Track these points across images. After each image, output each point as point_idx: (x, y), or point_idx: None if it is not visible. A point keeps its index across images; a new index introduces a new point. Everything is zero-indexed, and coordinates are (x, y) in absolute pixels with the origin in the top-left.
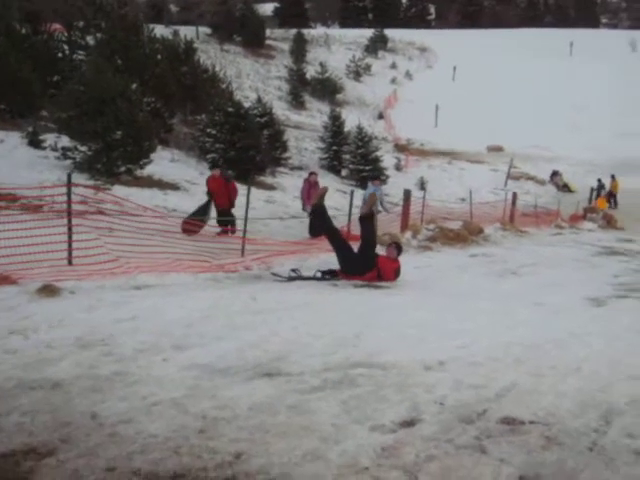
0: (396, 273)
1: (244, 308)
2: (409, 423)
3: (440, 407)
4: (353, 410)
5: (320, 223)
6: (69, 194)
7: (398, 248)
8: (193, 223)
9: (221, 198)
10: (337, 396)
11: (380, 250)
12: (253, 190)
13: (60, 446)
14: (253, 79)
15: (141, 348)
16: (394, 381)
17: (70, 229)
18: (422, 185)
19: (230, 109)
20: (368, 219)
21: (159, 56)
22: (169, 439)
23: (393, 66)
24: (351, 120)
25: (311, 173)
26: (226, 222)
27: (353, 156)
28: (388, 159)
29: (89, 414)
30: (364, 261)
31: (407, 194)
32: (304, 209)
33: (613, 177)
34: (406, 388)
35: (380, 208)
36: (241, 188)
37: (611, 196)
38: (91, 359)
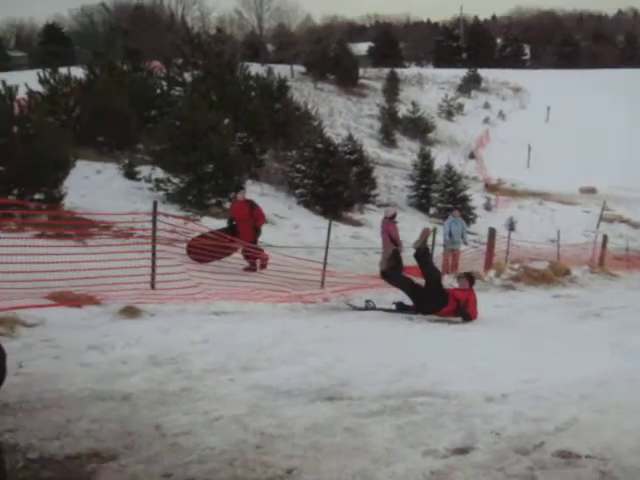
0: (475, 304)
1: (315, 336)
2: (463, 450)
3: (496, 437)
4: (408, 435)
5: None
6: (154, 221)
7: (469, 278)
8: (201, 248)
9: (245, 227)
10: (394, 421)
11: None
12: (340, 225)
13: (123, 452)
14: (345, 117)
15: (209, 368)
16: (453, 410)
17: (154, 254)
18: (511, 225)
19: (319, 145)
20: (425, 255)
21: (253, 93)
22: (226, 452)
23: (486, 106)
24: (441, 159)
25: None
26: (252, 253)
27: (441, 195)
28: (478, 199)
29: (153, 425)
30: (436, 298)
31: (492, 232)
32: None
33: None
34: (464, 417)
35: (461, 240)
36: (325, 222)
37: None
38: (161, 376)
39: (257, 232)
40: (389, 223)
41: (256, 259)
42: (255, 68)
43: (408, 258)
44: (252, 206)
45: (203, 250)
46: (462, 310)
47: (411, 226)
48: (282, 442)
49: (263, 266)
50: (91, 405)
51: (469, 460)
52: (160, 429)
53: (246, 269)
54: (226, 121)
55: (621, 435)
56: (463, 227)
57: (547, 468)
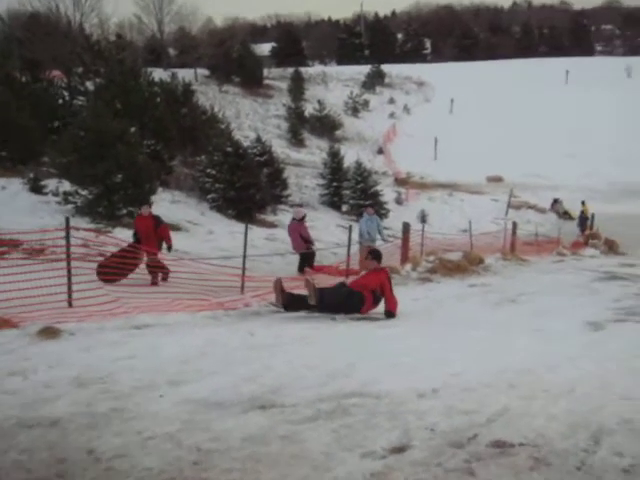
0: (391, 289)
1: (241, 344)
2: (400, 449)
3: (431, 433)
4: (344, 438)
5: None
6: (68, 238)
7: (374, 255)
8: (110, 269)
9: (150, 242)
10: (329, 425)
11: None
12: (255, 228)
13: None
14: (252, 119)
15: (138, 385)
16: (386, 409)
17: (69, 272)
18: (423, 218)
19: (229, 149)
20: (326, 297)
21: (158, 99)
22: (163, 471)
23: (391, 101)
24: (350, 156)
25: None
26: (156, 268)
27: (353, 191)
28: (388, 193)
29: (85, 450)
30: (352, 303)
31: (406, 227)
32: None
33: (583, 203)
34: (398, 415)
35: (379, 237)
36: (239, 226)
37: (584, 220)
38: (88, 397)
39: (168, 249)
40: (299, 224)
41: (158, 273)
42: (158, 73)
43: (323, 256)
44: (157, 222)
45: (112, 269)
46: (379, 298)
47: (325, 224)
48: (219, 456)
49: (164, 279)
50: (18, 434)
51: (407, 458)
52: (93, 453)
53: (152, 284)
54: (132, 129)
55: (550, 421)
56: (378, 224)
57: (483, 459)
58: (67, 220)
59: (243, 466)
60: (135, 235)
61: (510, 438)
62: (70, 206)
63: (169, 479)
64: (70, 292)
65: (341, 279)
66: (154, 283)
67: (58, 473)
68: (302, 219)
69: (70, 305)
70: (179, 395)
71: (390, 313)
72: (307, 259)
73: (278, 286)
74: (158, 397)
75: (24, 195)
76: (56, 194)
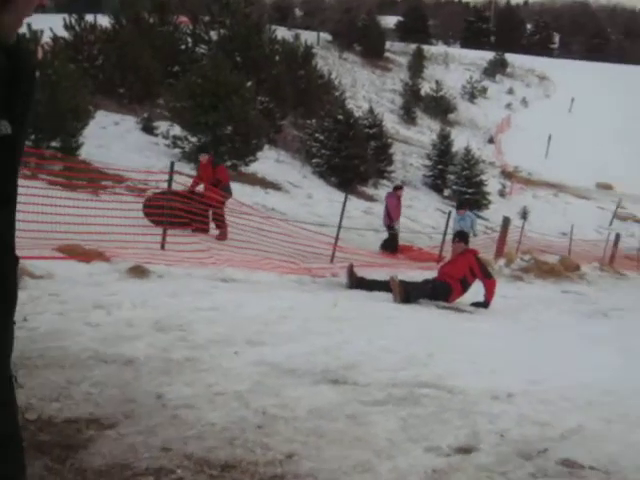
0: (481, 268)
1: (323, 314)
2: (466, 450)
3: (500, 439)
4: (411, 428)
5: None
6: (170, 181)
7: (460, 236)
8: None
9: (211, 190)
10: (398, 412)
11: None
12: (353, 199)
13: (122, 421)
14: (368, 90)
15: (215, 339)
16: (458, 406)
17: (166, 215)
18: (524, 214)
19: (340, 117)
20: (412, 293)
21: (277, 57)
22: (226, 429)
23: (510, 91)
24: (460, 141)
25: (398, 187)
26: (213, 218)
27: (457, 177)
28: (493, 184)
29: (155, 394)
30: (437, 293)
31: (506, 221)
32: (391, 225)
33: None
34: (469, 415)
35: (471, 231)
36: (338, 195)
37: None
38: (166, 342)
39: (226, 191)
40: (391, 194)
41: (209, 224)
42: (282, 32)
43: (418, 238)
44: (214, 164)
45: (156, 210)
46: (467, 286)
47: (424, 206)
48: (284, 424)
49: (221, 237)
50: (94, 367)
51: (472, 461)
52: (161, 399)
53: (194, 230)
54: (249, 84)
55: (626, 448)
56: (472, 220)
57: (550, 476)
58: (172, 164)
59: (306, 439)
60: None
61: (581, 459)
62: (177, 150)
63: (231, 438)
64: (164, 235)
65: (427, 264)
66: (196, 228)
67: (125, 412)
68: (396, 189)
69: (162, 248)
70: (254, 355)
71: (485, 304)
72: (392, 238)
73: (350, 270)
74: (233, 354)
75: (135, 134)
76: (166, 137)
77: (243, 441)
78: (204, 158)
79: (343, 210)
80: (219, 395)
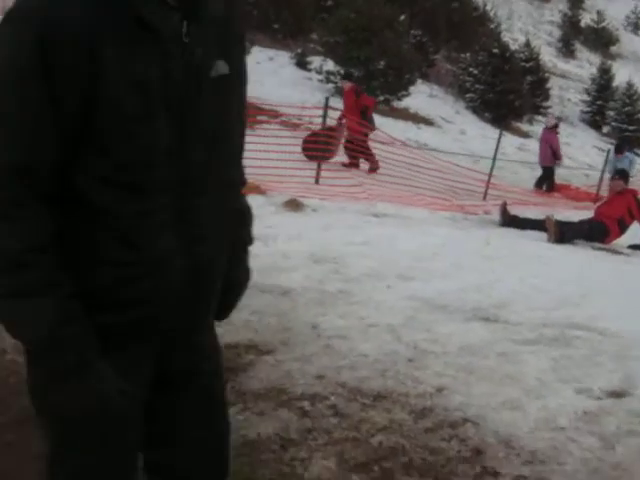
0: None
1: (475, 251)
2: (618, 394)
3: None
4: (562, 369)
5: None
6: (324, 117)
7: (620, 173)
8: (315, 146)
9: (352, 117)
10: (549, 353)
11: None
12: (508, 135)
13: (279, 347)
14: (524, 22)
15: (367, 272)
16: (611, 349)
17: (320, 150)
18: None
19: (495, 50)
20: (568, 234)
21: None
22: (378, 361)
23: None
24: (622, 75)
25: (556, 124)
26: (355, 151)
27: (617, 113)
28: None
29: (310, 324)
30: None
31: None
32: (554, 165)
33: None
34: (622, 359)
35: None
36: (492, 131)
37: None
38: (320, 274)
39: (369, 121)
40: (549, 133)
41: (359, 158)
42: None
43: (574, 175)
44: (357, 93)
45: (316, 145)
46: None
47: (580, 143)
48: (434, 359)
49: (372, 169)
50: (252, 296)
51: (624, 405)
52: (316, 329)
53: (345, 164)
54: (402, 17)
55: None
56: (631, 161)
57: None
58: (326, 100)
59: (455, 374)
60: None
61: None
62: (331, 85)
63: (382, 370)
64: (319, 170)
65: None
66: (347, 164)
67: (282, 340)
68: (554, 127)
69: (317, 182)
70: (406, 290)
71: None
72: (548, 176)
73: (503, 208)
74: (385, 288)
75: (289, 69)
76: (319, 72)
77: (394, 373)
78: (347, 85)
79: (497, 146)
80: (371, 327)
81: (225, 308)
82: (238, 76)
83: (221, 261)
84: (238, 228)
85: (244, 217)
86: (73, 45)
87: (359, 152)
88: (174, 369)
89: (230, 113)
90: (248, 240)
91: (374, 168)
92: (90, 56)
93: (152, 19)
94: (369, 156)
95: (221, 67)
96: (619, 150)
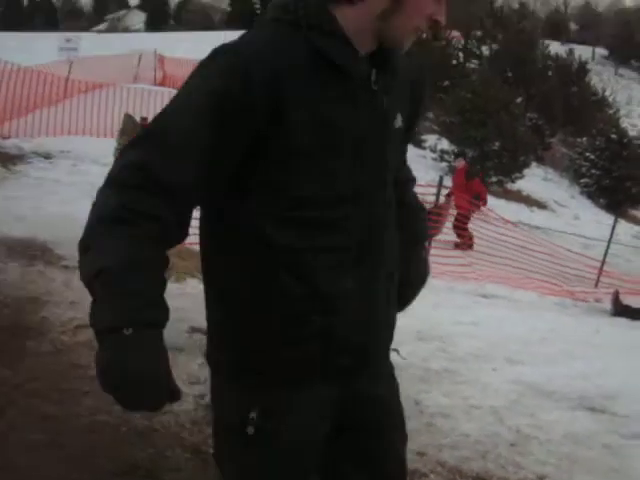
0: None
1: (584, 339)
2: None
3: None
4: None
5: None
6: (438, 195)
7: None
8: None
9: (460, 197)
10: None
11: None
12: (623, 222)
13: None
14: None
15: (474, 353)
16: None
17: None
18: None
19: (613, 136)
20: None
21: (550, 73)
22: (479, 442)
23: None
24: None
25: None
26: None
27: None
28: None
29: (413, 400)
30: None
31: None
32: None
33: None
34: None
35: None
36: (607, 217)
37: None
38: (426, 351)
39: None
40: None
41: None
42: (555, 47)
43: None
44: (468, 174)
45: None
46: None
47: None
48: (537, 445)
49: (467, 246)
50: None
51: None
52: (419, 405)
53: (455, 246)
54: (519, 100)
55: None
56: None
57: None
58: (441, 178)
59: (559, 462)
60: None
61: None
62: (445, 164)
63: (484, 452)
64: (429, 247)
65: None
66: (458, 245)
67: None
68: None
69: None
70: (512, 373)
71: None
72: None
73: (615, 297)
74: (491, 370)
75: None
76: (434, 150)
77: (495, 456)
78: (460, 163)
79: (612, 233)
80: (475, 408)
81: (400, 304)
82: (408, 131)
83: (393, 293)
84: (411, 224)
85: (415, 213)
86: (268, 81)
87: (462, 229)
88: (354, 420)
89: (394, 163)
90: (421, 237)
91: (465, 244)
92: (279, 93)
93: (344, 63)
94: (463, 231)
95: (398, 120)
96: None
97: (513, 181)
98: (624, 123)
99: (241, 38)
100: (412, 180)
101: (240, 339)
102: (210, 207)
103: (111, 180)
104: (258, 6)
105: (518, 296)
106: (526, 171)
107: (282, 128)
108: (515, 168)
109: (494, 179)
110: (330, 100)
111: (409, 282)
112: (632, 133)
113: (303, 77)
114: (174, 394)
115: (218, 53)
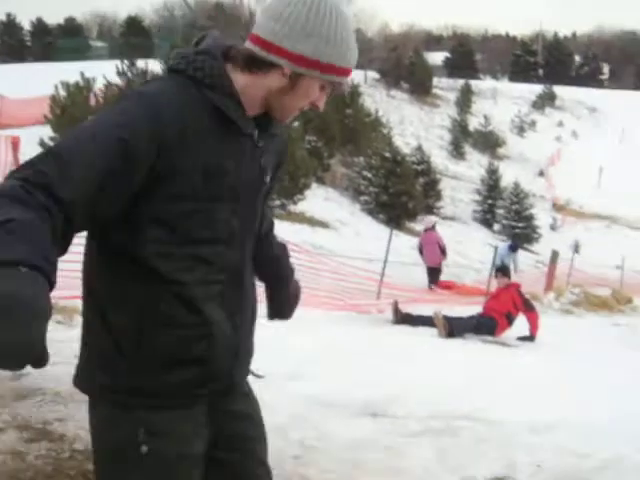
0: (524, 302)
1: (364, 348)
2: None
3: (537, 469)
4: (447, 459)
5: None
6: None
7: (502, 270)
8: None
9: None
10: (435, 444)
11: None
12: (401, 235)
13: None
14: (416, 126)
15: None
16: (495, 438)
17: None
18: (576, 248)
19: (387, 154)
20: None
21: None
22: None
23: (560, 124)
24: (509, 175)
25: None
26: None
27: (507, 211)
28: (543, 218)
29: None
30: (483, 327)
31: (554, 255)
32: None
33: None
34: (506, 447)
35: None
36: (387, 232)
37: None
38: None
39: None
40: (434, 234)
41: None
42: None
43: (465, 272)
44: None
45: None
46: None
47: (472, 241)
48: (321, 455)
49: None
50: None
51: None
52: None
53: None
54: (296, 124)
55: None
56: (514, 259)
57: None
58: None
59: (341, 468)
60: None
61: None
62: None
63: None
64: None
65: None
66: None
67: None
68: (434, 227)
69: None
70: (294, 389)
71: (530, 337)
72: (436, 273)
73: (395, 307)
74: (274, 387)
75: None
76: None
77: (280, 471)
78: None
79: (389, 246)
80: None
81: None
82: (270, 190)
83: (252, 329)
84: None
85: (282, 245)
86: (174, 127)
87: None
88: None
89: (260, 213)
90: (289, 262)
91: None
92: (181, 139)
93: (237, 120)
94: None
95: (268, 177)
96: (515, 248)
97: (295, 203)
98: (398, 142)
99: (150, 85)
100: (273, 222)
101: (127, 363)
102: (101, 235)
103: (13, 177)
104: (28, 38)
105: (300, 314)
106: (307, 192)
107: (175, 171)
108: (296, 190)
109: (277, 202)
110: (222, 151)
111: (289, 296)
112: (406, 150)
113: (204, 127)
114: (42, 356)
115: (133, 95)
